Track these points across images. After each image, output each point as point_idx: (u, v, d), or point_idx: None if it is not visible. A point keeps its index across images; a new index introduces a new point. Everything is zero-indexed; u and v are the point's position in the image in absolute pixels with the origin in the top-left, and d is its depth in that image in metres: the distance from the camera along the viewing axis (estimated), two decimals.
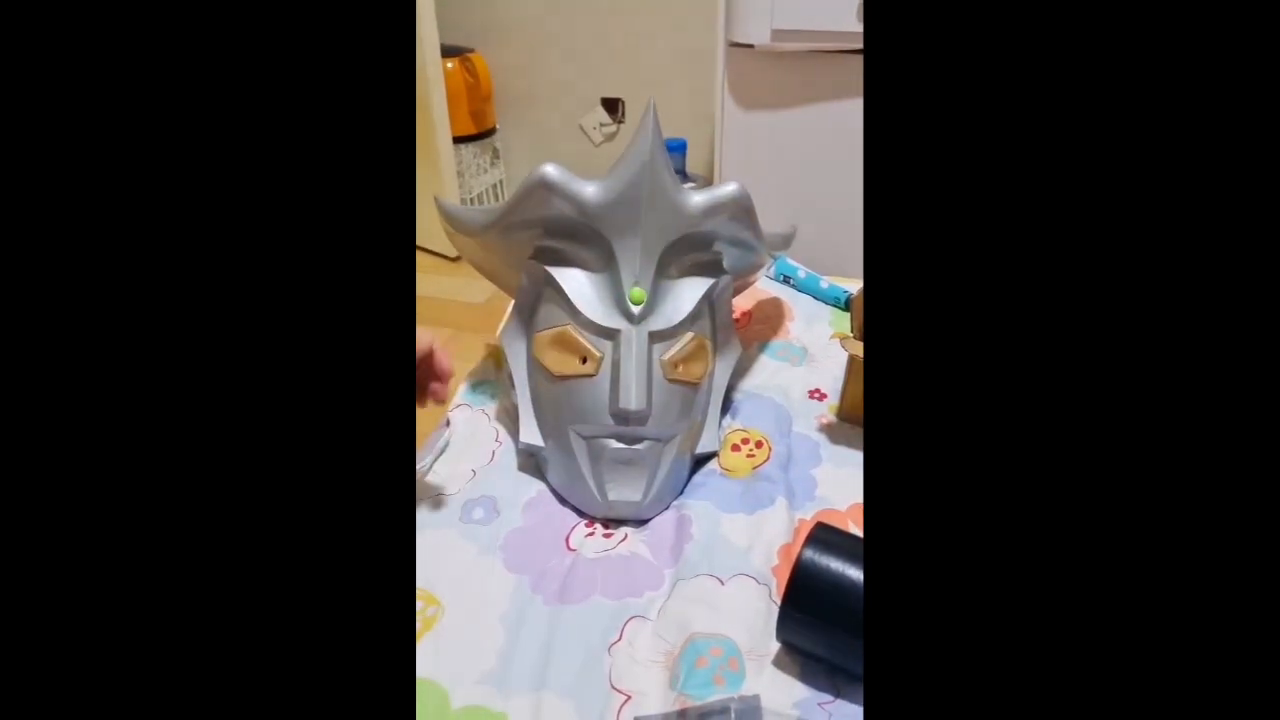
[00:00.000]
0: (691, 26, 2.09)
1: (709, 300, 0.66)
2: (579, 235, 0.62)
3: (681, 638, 0.51)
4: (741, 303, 0.90)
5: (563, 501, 0.64)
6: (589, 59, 2.27)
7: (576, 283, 0.63)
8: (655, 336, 0.62)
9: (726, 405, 0.73)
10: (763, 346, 0.83)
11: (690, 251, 0.65)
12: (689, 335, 0.64)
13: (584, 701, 0.48)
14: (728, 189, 0.63)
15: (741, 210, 0.64)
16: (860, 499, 0.63)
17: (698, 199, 0.62)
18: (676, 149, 1.94)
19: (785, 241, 0.77)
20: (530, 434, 0.66)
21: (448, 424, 0.72)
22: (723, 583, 0.55)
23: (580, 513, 0.63)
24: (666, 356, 0.62)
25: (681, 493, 0.65)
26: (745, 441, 0.69)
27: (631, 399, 0.59)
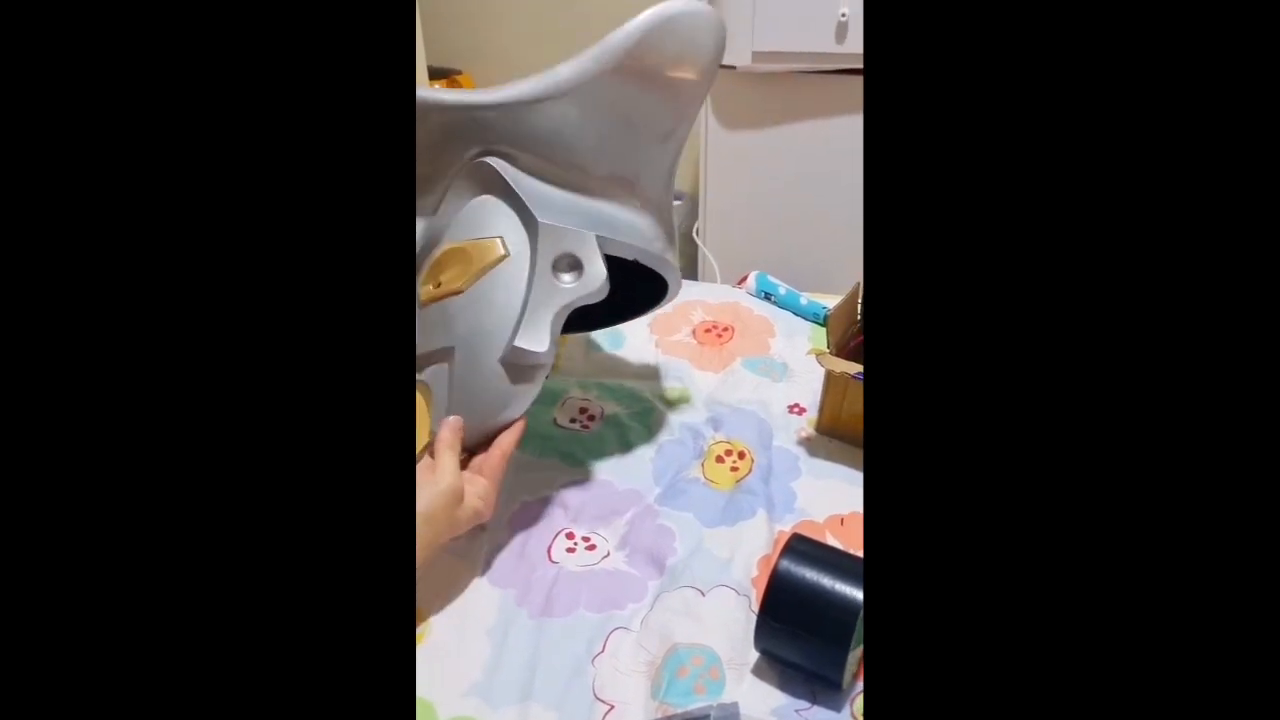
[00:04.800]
0: None
1: (478, 188, 0.60)
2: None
3: (663, 648, 0.52)
4: (724, 319, 0.92)
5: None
6: None
7: None
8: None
9: (715, 421, 0.75)
10: (744, 362, 0.85)
11: (429, 164, 0.60)
12: (440, 245, 0.60)
13: (568, 712, 0.49)
14: None
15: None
16: (837, 511, 0.65)
17: None
18: None
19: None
20: None
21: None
22: (704, 594, 0.56)
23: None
24: (420, 278, 0.59)
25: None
26: (729, 453, 0.71)
27: None
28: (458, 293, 0.58)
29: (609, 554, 0.62)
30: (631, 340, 0.88)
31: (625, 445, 0.73)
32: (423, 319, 0.58)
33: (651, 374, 0.83)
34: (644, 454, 0.72)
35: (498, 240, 0.59)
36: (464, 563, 0.60)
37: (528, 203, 0.58)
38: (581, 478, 0.69)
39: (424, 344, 0.58)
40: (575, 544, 0.63)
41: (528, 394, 0.59)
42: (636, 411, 0.77)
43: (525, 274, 0.58)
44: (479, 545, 0.62)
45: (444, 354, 0.58)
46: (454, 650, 0.53)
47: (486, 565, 0.60)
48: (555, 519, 0.65)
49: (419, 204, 0.60)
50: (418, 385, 0.57)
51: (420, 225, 0.60)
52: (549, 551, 0.62)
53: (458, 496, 0.54)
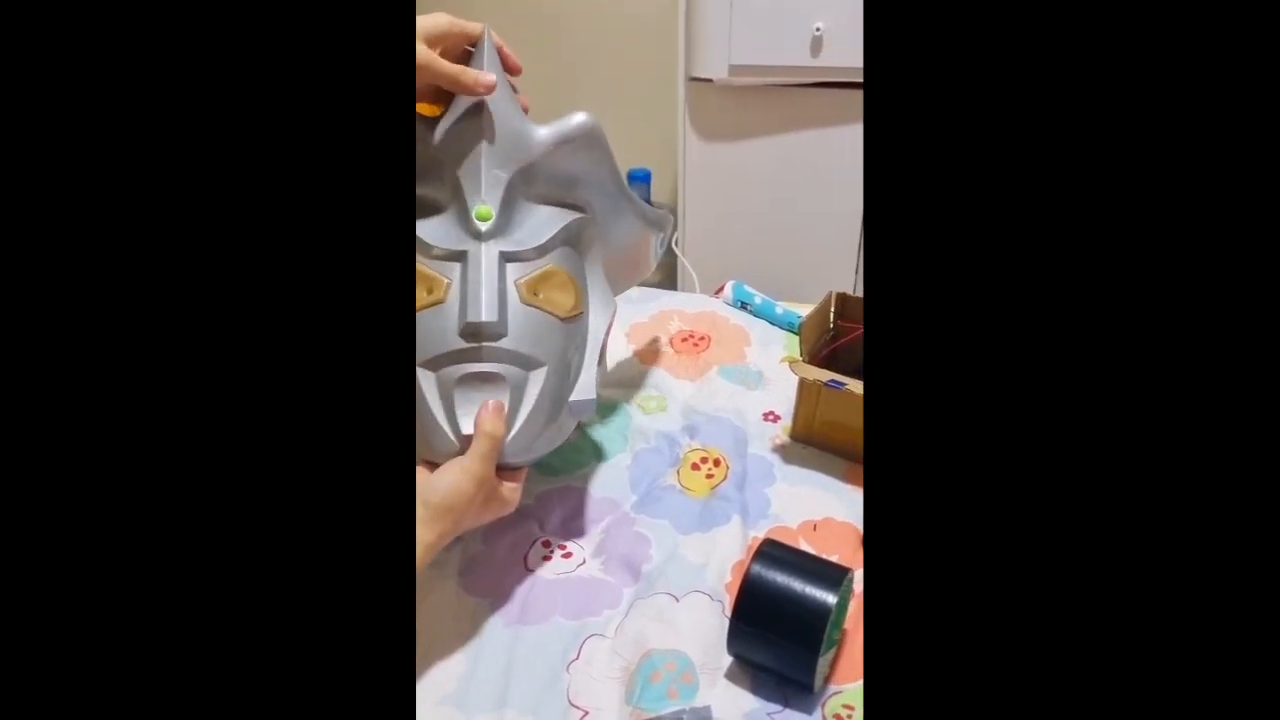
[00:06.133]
0: (654, 62, 2.14)
1: (572, 238, 0.62)
2: (425, 172, 0.60)
3: (638, 654, 0.53)
4: (701, 328, 0.93)
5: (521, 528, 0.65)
6: (555, 95, 2.31)
7: (423, 215, 0.61)
8: (508, 257, 0.58)
9: (691, 429, 0.75)
10: (721, 370, 0.85)
11: (547, 185, 0.61)
12: (547, 263, 0.60)
13: (543, 718, 0.50)
14: (575, 118, 0.60)
15: (592, 140, 0.61)
16: (811, 516, 0.66)
17: (543, 129, 0.60)
18: (641, 179, 1.98)
19: (662, 220, 0.73)
20: None
21: None
22: (678, 600, 0.57)
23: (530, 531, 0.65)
24: (521, 278, 0.58)
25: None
26: (705, 460, 0.71)
27: (481, 309, 0.55)
28: (558, 318, 0.59)
29: (585, 562, 0.62)
30: (609, 349, 0.89)
31: (602, 454, 0.74)
32: (527, 316, 0.58)
33: (628, 383, 0.84)
34: (620, 462, 0.73)
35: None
36: (439, 571, 0.60)
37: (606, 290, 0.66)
38: (558, 486, 0.70)
39: (522, 343, 0.57)
40: (551, 552, 0.63)
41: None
42: (613, 420, 0.78)
43: (590, 331, 0.64)
44: (454, 554, 0.62)
45: (535, 364, 0.58)
46: (429, 659, 0.53)
47: (462, 574, 0.61)
48: (531, 528, 0.65)
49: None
50: (492, 376, 0.57)
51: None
52: (525, 560, 0.62)
53: (481, 484, 0.52)
